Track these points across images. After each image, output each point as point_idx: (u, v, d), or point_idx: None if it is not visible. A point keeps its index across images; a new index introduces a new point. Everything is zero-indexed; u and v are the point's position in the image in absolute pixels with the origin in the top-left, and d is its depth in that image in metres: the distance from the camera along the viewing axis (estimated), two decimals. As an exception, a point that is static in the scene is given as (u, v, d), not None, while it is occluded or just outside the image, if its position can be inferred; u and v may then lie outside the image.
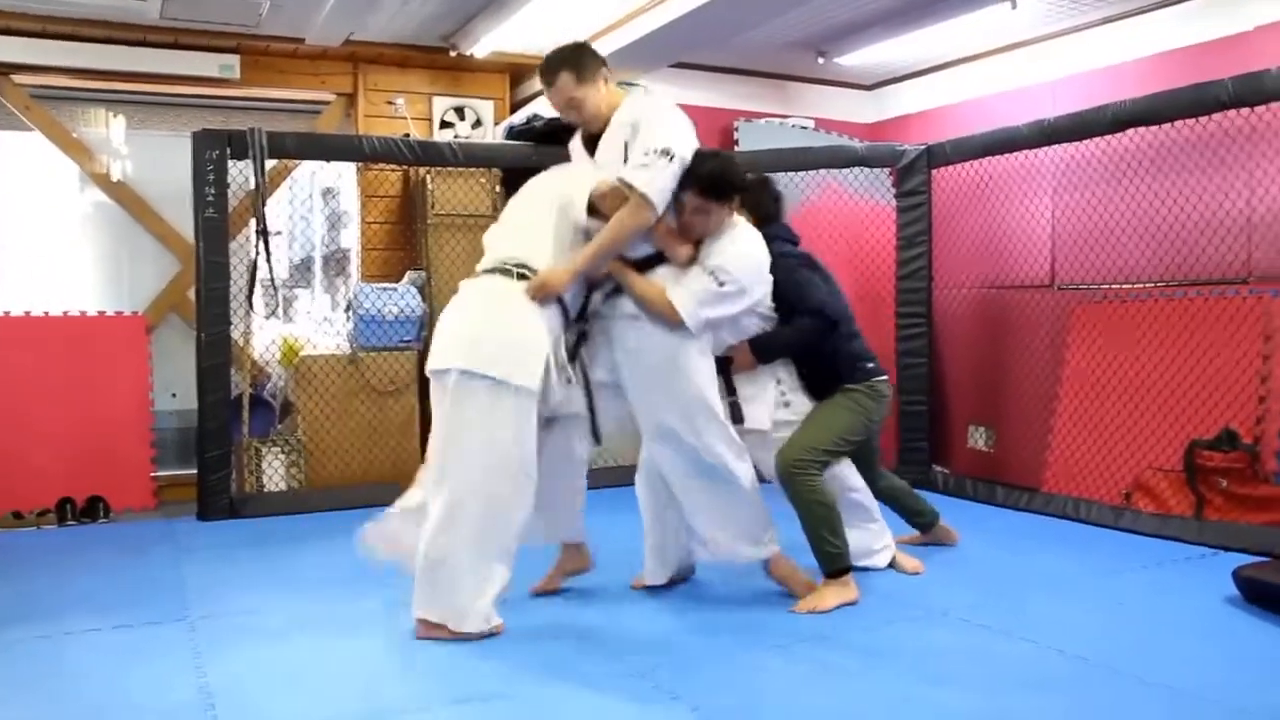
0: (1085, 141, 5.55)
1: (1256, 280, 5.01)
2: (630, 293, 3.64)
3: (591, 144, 3.76)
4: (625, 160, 3.56)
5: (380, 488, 5.93)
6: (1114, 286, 5.65)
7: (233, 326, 5.68)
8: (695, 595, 3.90)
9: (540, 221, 3.59)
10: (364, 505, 5.70)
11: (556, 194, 3.64)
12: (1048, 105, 5.77)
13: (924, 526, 4.64)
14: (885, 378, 4.11)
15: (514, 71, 7.10)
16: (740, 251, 3.70)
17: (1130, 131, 5.26)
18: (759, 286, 3.77)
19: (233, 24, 5.97)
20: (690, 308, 3.57)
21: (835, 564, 3.77)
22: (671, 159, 3.46)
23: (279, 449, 5.92)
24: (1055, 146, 5.71)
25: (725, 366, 3.85)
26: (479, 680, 3.04)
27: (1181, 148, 5.26)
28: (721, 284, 3.60)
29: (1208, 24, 5.29)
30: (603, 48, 6.11)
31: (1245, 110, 4.81)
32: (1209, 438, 4.80)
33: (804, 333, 3.90)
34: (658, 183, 3.46)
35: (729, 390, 3.85)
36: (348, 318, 6.23)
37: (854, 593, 3.78)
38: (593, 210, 3.56)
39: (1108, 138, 5.41)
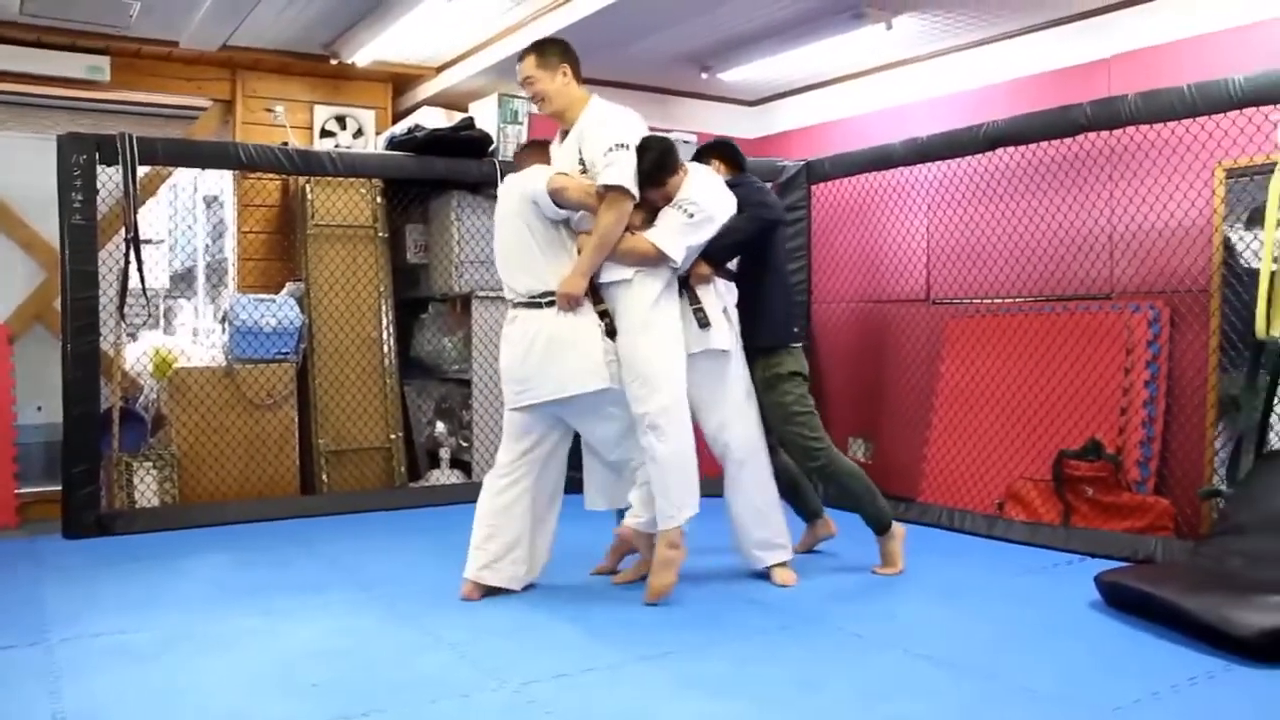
0: (957, 160, 5.71)
1: (1119, 296, 5.20)
2: (612, 256, 3.89)
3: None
4: (580, 162, 3.92)
5: (256, 503, 5.83)
6: (986, 301, 5.82)
7: (103, 338, 5.48)
8: (575, 606, 3.90)
9: (524, 242, 3.94)
10: (239, 521, 5.61)
11: (518, 204, 3.93)
12: (922, 124, 5.91)
13: (808, 516, 4.75)
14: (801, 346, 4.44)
15: (396, 81, 7.03)
16: (701, 186, 4.05)
17: (1000, 151, 5.44)
18: (724, 213, 4.07)
19: (101, 24, 5.77)
20: (672, 241, 3.89)
21: (885, 520, 4.37)
22: (627, 148, 3.85)
23: (151, 464, 5.73)
24: (929, 164, 5.87)
25: (685, 281, 4.09)
26: (353, 697, 2.98)
27: (1048, 168, 5.44)
28: (691, 215, 3.94)
29: (1071, 50, 5.48)
30: (485, 59, 6.11)
31: (1105, 133, 5.02)
32: (1076, 448, 4.96)
33: (745, 227, 4.13)
34: (625, 171, 3.82)
35: (693, 300, 4.07)
36: (223, 329, 6.08)
37: (903, 531, 4.44)
38: (558, 202, 3.87)
39: (978, 157, 5.58)
